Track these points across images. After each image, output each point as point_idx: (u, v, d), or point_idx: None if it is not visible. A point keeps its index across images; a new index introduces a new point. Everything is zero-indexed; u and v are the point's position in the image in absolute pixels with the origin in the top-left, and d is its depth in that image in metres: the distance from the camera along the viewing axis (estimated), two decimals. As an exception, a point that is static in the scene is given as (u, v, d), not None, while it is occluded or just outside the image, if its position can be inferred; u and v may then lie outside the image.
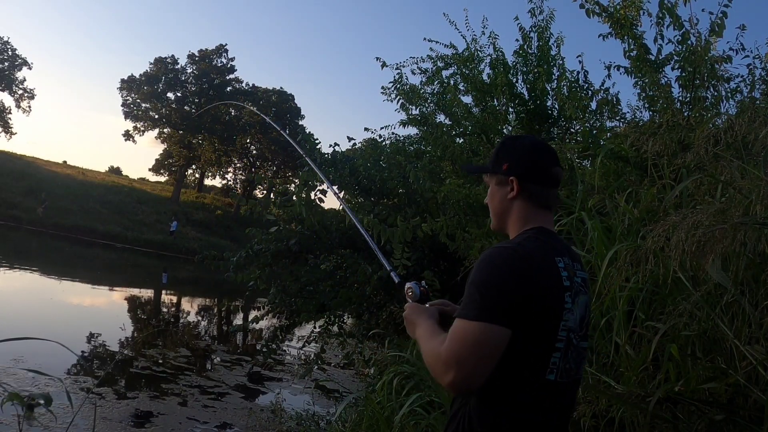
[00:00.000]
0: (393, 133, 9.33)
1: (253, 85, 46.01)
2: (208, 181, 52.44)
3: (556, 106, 5.67)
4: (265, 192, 41.27)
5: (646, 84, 4.05)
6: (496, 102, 5.94)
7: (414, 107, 6.16)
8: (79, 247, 24.47)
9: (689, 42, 3.84)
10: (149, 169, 49.92)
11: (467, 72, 5.97)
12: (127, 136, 43.79)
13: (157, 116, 42.80)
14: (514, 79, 5.78)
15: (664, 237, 2.02)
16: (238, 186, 48.72)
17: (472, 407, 1.26)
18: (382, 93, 6.35)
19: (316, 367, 5.94)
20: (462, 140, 6.02)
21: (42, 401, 1.77)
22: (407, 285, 1.63)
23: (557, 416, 1.30)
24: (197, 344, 10.86)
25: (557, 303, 1.26)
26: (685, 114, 3.56)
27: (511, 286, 1.20)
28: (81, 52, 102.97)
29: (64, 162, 48.26)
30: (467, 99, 6.14)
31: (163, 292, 18.35)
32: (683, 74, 3.86)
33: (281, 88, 47.17)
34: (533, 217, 1.38)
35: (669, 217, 2.08)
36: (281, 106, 45.63)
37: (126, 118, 42.76)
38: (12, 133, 43.26)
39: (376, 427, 3.36)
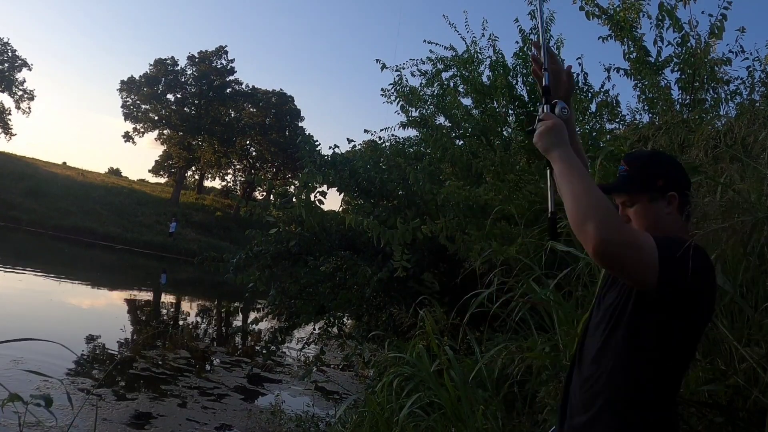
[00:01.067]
0: (393, 135, 9.29)
1: (253, 86, 45.97)
2: (207, 183, 52.54)
3: (556, 107, 5.67)
4: (264, 194, 41.37)
5: (645, 86, 4.06)
6: (495, 104, 5.95)
7: (414, 109, 6.16)
8: (79, 248, 24.45)
9: (689, 44, 3.86)
10: (149, 171, 49.85)
11: (467, 74, 5.98)
12: (127, 137, 43.84)
13: (156, 117, 42.80)
14: (514, 81, 5.79)
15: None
16: (238, 188, 48.74)
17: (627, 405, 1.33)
18: (382, 95, 6.36)
19: (316, 368, 5.95)
20: (462, 142, 6.02)
21: (42, 402, 1.77)
22: (563, 102, 1.54)
23: None
24: (197, 346, 10.86)
25: (710, 312, 1.43)
26: (685, 116, 3.57)
27: (692, 276, 1.26)
28: (81, 53, 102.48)
29: (64, 163, 48.29)
30: (467, 101, 6.15)
31: (163, 293, 18.34)
32: (683, 76, 3.88)
33: (281, 89, 47.17)
34: (682, 230, 1.47)
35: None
36: (281, 108, 45.62)
37: (126, 119, 42.83)
38: (12, 135, 43.33)
39: (377, 428, 3.36)
